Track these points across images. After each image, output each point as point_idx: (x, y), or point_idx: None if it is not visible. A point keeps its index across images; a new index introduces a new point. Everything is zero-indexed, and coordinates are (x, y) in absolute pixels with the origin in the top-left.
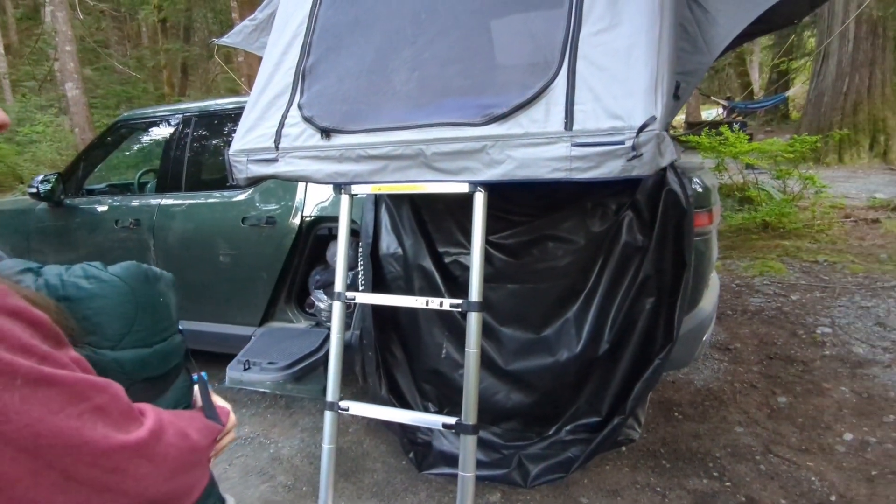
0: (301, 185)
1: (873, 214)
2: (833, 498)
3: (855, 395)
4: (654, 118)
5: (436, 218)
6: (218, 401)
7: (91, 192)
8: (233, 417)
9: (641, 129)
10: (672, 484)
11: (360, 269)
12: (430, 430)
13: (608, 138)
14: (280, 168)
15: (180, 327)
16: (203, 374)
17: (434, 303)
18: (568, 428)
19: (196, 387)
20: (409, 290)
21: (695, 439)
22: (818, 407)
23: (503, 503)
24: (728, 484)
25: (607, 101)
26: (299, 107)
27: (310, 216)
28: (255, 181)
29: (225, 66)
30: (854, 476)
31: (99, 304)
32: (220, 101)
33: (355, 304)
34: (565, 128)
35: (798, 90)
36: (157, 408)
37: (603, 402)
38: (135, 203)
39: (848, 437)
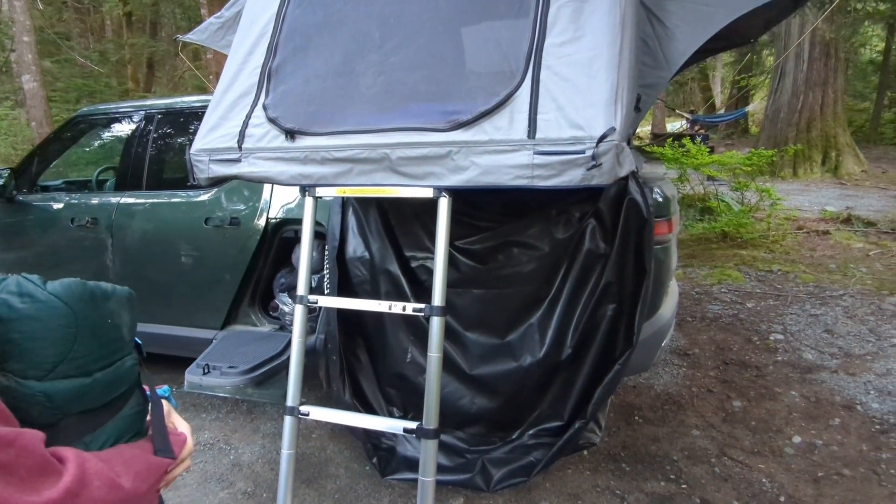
0: (267, 186)
1: (824, 226)
2: (782, 499)
3: (804, 400)
4: (613, 129)
5: (403, 222)
6: (178, 423)
7: (46, 189)
8: (189, 444)
9: (601, 139)
10: (631, 487)
11: (325, 272)
12: (395, 435)
13: (569, 147)
14: (243, 169)
15: (138, 340)
16: (163, 389)
17: (397, 307)
18: (531, 432)
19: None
20: (375, 294)
21: (654, 443)
22: (770, 411)
23: None
24: (684, 486)
25: (569, 111)
26: (264, 107)
27: (275, 218)
28: (216, 181)
29: (191, 64)
30: (802, 477)
31: (31, 327)
32: (184, 99)
33: (320, 307)
34: (528, 136)
35: (757, 106)
36: (82, 454)
37: (565, 406)
38: (92, 201)
39: (797, 439)
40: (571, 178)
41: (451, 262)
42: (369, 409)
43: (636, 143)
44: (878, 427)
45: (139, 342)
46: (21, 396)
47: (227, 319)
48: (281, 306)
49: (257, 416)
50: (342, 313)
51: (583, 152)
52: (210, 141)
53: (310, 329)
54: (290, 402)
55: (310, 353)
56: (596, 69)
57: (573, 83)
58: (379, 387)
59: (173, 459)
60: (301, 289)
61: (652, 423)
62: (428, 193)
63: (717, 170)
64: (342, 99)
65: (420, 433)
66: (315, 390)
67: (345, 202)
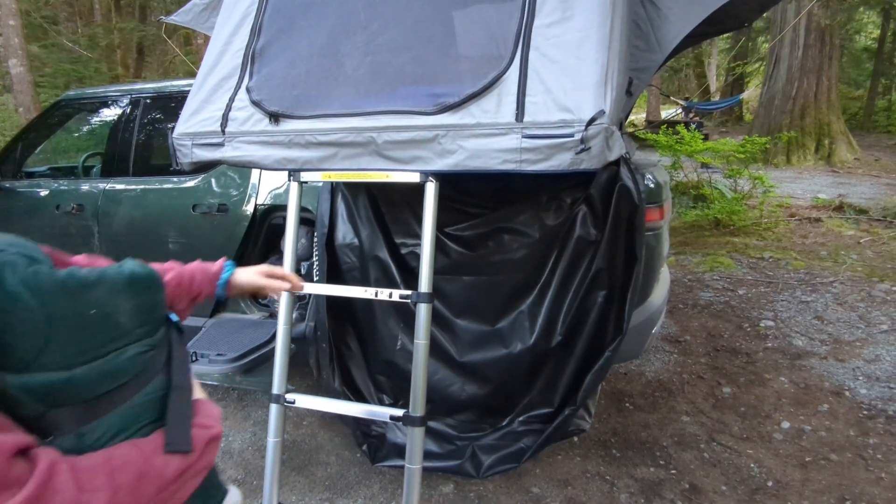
0: (255, 172)
1: (816, 214)
2: (770, 483)
3: (793, 386)
4: (602, 112)
5: (393, 209)
6: (204, 413)
7: (30, 175)
8: (211, 430)
9: (590, 122)
10: (621, 472)
11: (315, 259)
12: (385, 422)
13: (558, 131)
14: (226, 153)
15: (173, 317)
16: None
17: (384, 294)
18: (521, 419)
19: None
20: (364, 282)
21: (644, 429)
22: (759, 397)
23: (456, 494)
24: (673, 471)
25: (558, 94)
26: (248, 90)
27: (264, 204)
28: (200, 166)
29: (176, 49)
30: (790, 462)
31: (2, 319)
32: (172, 82)
33: (309, 295)
34: (516, 119)
35: (752, 93)
36: (57, 463)
37: (555, 393)
38: (78, 187)
39: (785, 425)
40: (560, 162)
41: (441, 248)
42: (359, 397)
43: (630, 129)
44: (865, 412)
45: (173, 319)
46: (2, 390)
47: (217, 307)
48: (271, 294)
49: (248, 403)
50: (332, 301)
51: (571, 136)
52: (193, 125)
53: (300, 317)
54: (275, 389)
55: (300, 341)
56: (585, 51)
57: (562, 65)
58: (369, 374)
59: (186, 453)
60: None
61: (642, 409)
62: (415, 178)
63: (710, 157)
64: (327, 81)
65: (406, 420)
66: (306, 378)
67: (334, 188)
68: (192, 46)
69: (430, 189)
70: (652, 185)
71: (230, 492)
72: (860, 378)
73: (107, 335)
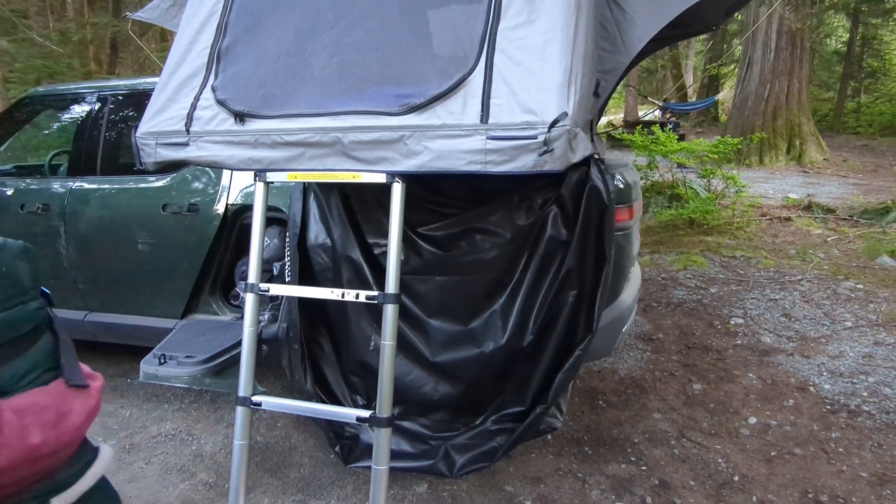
0: (226, 171)
1: (786, 213)
2: (736, 478)
3: (761, 382)
4: (565, 114)
5: (365, 209)
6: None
7: None
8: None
9: (553, 124)
10: (593, 469)
11: (287, 260)
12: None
13: (521, 132)
14: (191, 153)
15: (45, 290)
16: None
17: (350, 295)
18: (493, 418)
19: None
20: (337, 282)
21: (616, 426)
22: (728, 393)
23: (430, 493)
24: (644, 468)
25: (522, 96)
26: (213, 89)
27: (235, 204)
28: (166, 166)
29: (145, 48)
30: (755, 457)
31: None
32: (141, 80)
33: (282, 297)
34: (481, 120)
35: (727, 94)
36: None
37: (527, 391)
38: (44, 186)
39: (752, 420)
40: (524, 163)
41: (414, 248)
42: (332, 398)
43: (609, 129)
44: (829, 407)
45: (46, 291)
46: None
47: (188, 308)
48: (241, 294)
49: (221, 405)
50: (304, 302)
51: (535, 137)
52: (157, 124)
53: (273, 318)
54: (241, 392)
55: (273, 342)
56: (549, 53)
57: (526, 67)
58: (342, 375)
59: (86, 387)
60: (252, 276)
61: (615, 407)
62: (381, 179)
63: (685, 157)
64: (294, 81)
65: (373, 422)
66: (281, 380)
67: (306, 188)
68: (167, 43)
69: (397, 190)
70: (622, 186)
71: (102, 450)
72: (824, 374)
73: (13, 290)
